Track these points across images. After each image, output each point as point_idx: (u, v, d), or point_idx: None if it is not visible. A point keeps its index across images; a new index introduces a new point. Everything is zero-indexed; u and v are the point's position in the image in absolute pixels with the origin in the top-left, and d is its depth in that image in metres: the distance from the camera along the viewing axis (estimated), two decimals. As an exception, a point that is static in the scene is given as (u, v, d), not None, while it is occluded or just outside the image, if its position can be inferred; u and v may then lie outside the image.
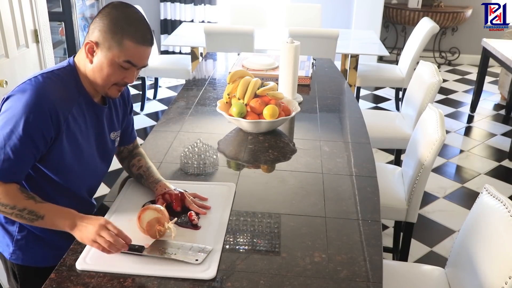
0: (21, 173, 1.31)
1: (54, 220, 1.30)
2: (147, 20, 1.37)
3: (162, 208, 1.36)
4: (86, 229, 1.26)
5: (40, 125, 1.26)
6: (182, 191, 1.50)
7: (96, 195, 1.63)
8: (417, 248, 2.71)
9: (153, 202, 1.49)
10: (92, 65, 1.34)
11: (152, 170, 1.59)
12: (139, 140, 1.84)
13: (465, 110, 4.80)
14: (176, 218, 1.36)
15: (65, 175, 1.40)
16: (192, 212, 1.44)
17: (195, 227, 1.39)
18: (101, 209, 1.50)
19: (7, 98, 1.30)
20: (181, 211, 1.45)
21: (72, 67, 1.38)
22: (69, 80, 1.36)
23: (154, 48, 4.49)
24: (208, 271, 1.21)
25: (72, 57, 1.41)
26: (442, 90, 5.27)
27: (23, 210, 1.28)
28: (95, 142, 1.47)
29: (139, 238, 1.31)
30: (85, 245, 1.29)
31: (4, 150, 1.26)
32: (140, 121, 4.28)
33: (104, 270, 1.21)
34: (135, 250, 1.26)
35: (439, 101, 4.97)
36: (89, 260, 1.24)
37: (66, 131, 1.33)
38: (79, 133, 1.38)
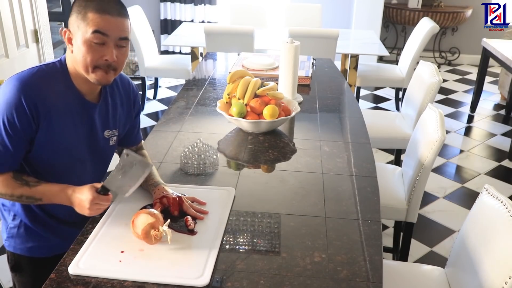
0: (12, 163, 1.34)
1: (52, 200, 1.36)
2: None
3: (156, 212, 1.34)
4: (81, 206, 1.31)
5: (21, 119, 1.28)
6: (180, 195, 1.48)
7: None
8: (417, 248, 2.71)
9: (151, 205, 1.47)
10: (73, 53, 1.34)
11: (151, 173, 1.57)
12: (139, 140, 1.84)
13: (465, 110, 4.80)
14: (169, 220, 1.33)
15: (46, 170, 1.40)
16: (188, 217, 1.41)
17: (191, 232, 1.36)
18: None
19: None
20: (179, 215, 1.43)
21: (62, 63, 1.39)
22: (56, 75, 1.37)
23: (154, 47, 4.50)
24: (202, 278, 1.19)
25: (64, 55, 1.42)
26: (442, 90, 5.27)
27: (21, 197, 1.34)
28: (87, 140, 1.46)
29: (134, 242, 1.30)
30: (80, 248, 1.28)
31: None
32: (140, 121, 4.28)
33: (97, 275, 1.19)
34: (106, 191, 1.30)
35: (439, 101, 4.97)
36: (82, 264, 1.23)
37: (46, 126, 1.33)
38: (62, 129, 1.37)
